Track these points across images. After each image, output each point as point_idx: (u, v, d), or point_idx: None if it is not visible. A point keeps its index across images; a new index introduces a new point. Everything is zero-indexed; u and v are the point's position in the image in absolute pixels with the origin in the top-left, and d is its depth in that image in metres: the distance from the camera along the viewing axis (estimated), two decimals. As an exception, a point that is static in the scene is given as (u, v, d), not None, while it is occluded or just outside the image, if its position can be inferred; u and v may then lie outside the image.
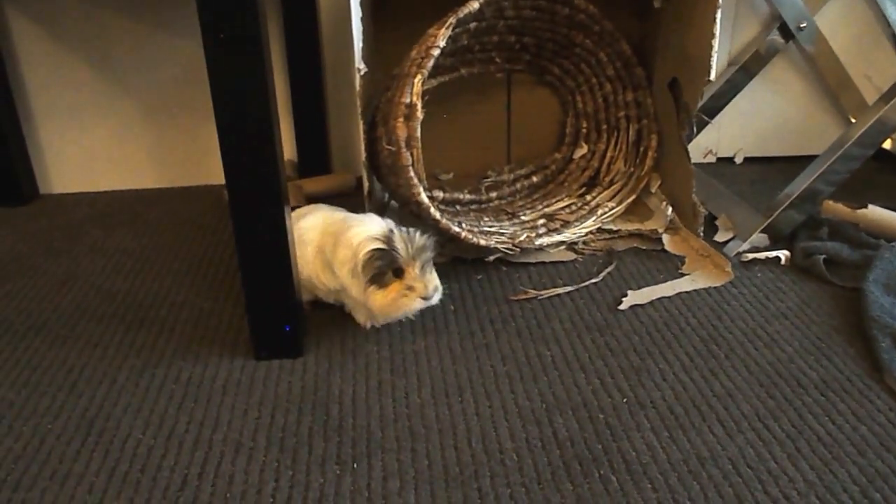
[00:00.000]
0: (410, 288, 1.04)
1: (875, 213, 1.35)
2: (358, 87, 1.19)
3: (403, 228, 1.05)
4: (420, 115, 1.09)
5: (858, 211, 1.35)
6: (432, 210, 1.13)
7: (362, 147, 1.24)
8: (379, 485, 0.85)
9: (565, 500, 0.82)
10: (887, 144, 1.86)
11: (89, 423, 0.96)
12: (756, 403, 0.97)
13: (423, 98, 1.11)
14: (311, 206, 1.24)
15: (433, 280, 1.06)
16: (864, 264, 1.25)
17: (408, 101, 1.09)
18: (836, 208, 1.37)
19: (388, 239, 1.03)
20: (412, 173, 1.11)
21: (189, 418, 0.96)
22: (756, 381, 1.02)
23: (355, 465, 0.87)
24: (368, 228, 1.05)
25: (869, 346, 1.07)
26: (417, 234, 1.05)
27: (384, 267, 1.03)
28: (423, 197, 1.13)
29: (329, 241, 1.10)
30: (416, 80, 1.09)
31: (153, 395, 1.01)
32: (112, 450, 0.91)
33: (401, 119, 1.10)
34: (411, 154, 1.11)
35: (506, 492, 0.83)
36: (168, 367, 1.07)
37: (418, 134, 1.10)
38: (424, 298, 1.05)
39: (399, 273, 1.04)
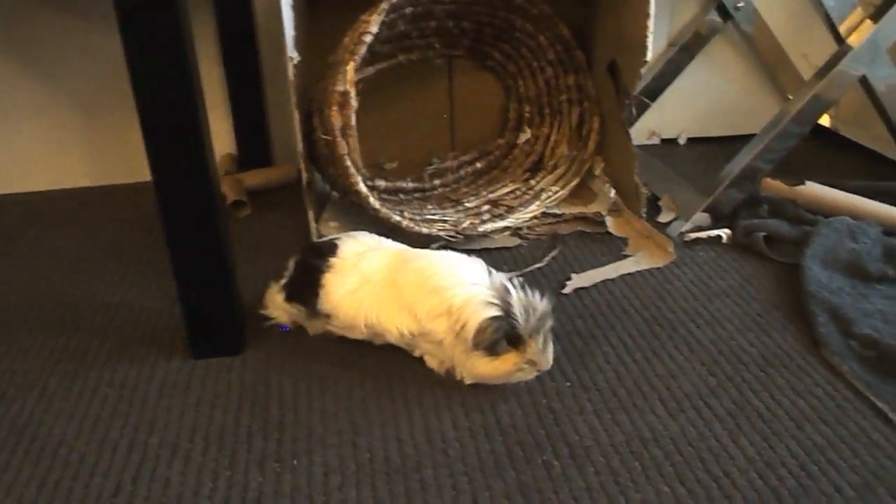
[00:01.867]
0: (530, 362, 0.92)
1: (813, 189, 1.37)
2: (291, 77, 1.16)
3: (517, 286, 0.92)
4: (354, 103, 1.07)
5: (796, 188, 1.37)
6: (371, 199, 1.12)
7: (299, 138, 1.21)
8: (319, 481, 0.83)
9: (508, 487, 0.81)
10: (826, 122, 1.90)
11: (20, 431, 0.93)
12: (697, 382, 0.98)
13: (357, 86, 1.08)
14: (357, 235, 1.09)
15: (552, 352, 0.94)
16: (803, 240, 1.26)
17: (341, 89, 1.07)
18: (775, 186, 1.38)
19: (506, 305, 0.90)
20: (349, 162, 1.09)
21: (123, 422, 0.93)
22: (698, 360, 1.02)
23: (295, 463, 0.86)
24: (479, 289, 0.92)
25: (807, 321, 1.09)
26: (538, 296, 0.92)
27: (500, 337, 0.90)
28: (362, 186, 1.11)
29: (410, 280, 0.98)
30: (348, 68, 1.06)
31: (86, 399, 0.98)
32: (43, 458, 0.88)
33: (335, 108, 1.08)
34: (347, 143, 1.09)
35: (448, 482, 0.82)
36: (102, 371, 1.04)
37: (353, 122, 1.08)
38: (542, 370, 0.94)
39: (516, 342, 0.91)
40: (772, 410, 0.92)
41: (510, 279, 0.94)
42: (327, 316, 1.04)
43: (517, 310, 0.89)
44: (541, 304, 0.91)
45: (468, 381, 0.95)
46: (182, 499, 0.81)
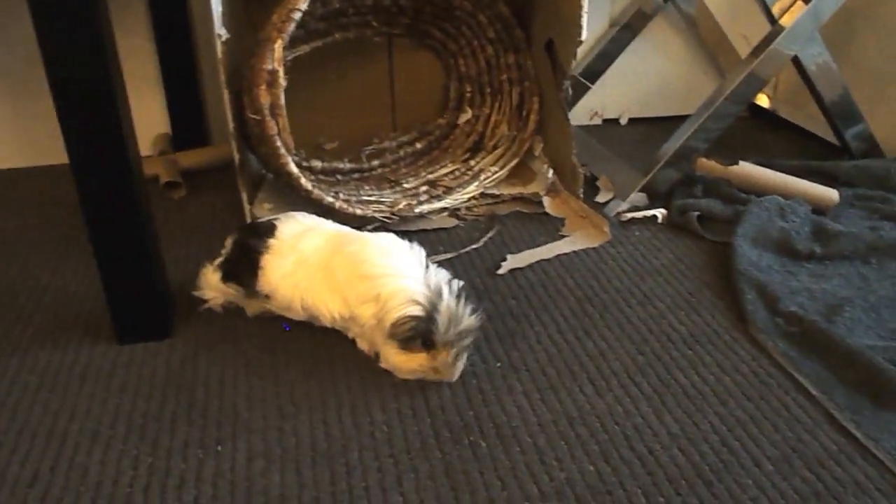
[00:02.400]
0: (435, 369, 0.91)
1: (746, 169, 1.39)
2: (220, 55, 1.13)
3: (454, 292, 0.90)
4: (283, 81, 1.05)
5: (730, 168, 1.39)
6: (302, 180, 1.10)
7: (230, 117, 1.18)
8: (243, 466, 0.82)
9: (434, 469, 0.81)
10: (765, 102, 1.92)
11: (-67, 421, 0.90)
12: (626, 360, 0.99)
13: (287, 64, 1.06)
14: (296, 216, 1.07)
15: (461, 366, 0.92)
16: (735, 219, 1.28)
17: (269, 67, 1.05)
18: (709, 165, 1.40)
19: (431, 308, 0.88)
20: (279, 143, 1.07)
21: (43, 409, 0.91)
22: (627, 339, 1.03)
23: (219, 448, 0.84)
24: (409, 283, 0.90)
25: (736, 298, 1.11)
26: (468, 311, 0.89)
27: (415, 335, 0.89)
28: (292, 167, 1.09)
29: (343, 264, 0.97)
30: (276, 46, 1.04)
31: (5, 386, 0.95)
32: (-43, 449, 0.85)
33: (263, 86, 1.05)
34: (277, 122, 1.07)
35: (374, 464, 0.82)
36: (24, 357, 1.00)
37: (282, 101, 1.06)
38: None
39: (429, 345, 0.90)
40: (697, 387, 0.93)
41: (450, 282, 0.92)
42: (266, 296, 1.02)
43: (440, 317, 0.87)
44: (468, 319, 0.89)
45: (383, 366, 0.95)
46: (101, 487, 0.80)
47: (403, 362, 0.91)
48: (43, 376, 0.97)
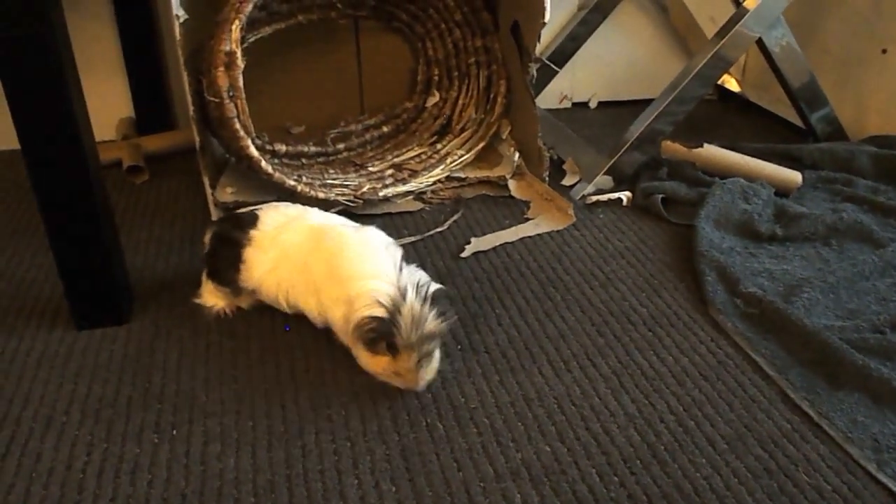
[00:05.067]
0: (399, 374, 0.86)
1: (710, 151, 1.39)
2: (178, 36, 1.11)
3: (422, 294, 0.85)
4: (241, 63, 1.04)
5: (695, 150, 1.39)
6: (263, 163, 1.09)
7: (189, 100, 1.17)
8: (198, 450, 0.81)
9: (390, 451, 0.81)
10: (734, 86, 1.93)
11: None
12: (586, 342, 0.99)
13: (245, 46, 1.05)
14: (280, 205, 1.05)
15: (428, 374, 0.87)
16: (699, 202, 1.28)
17: (227, 48, 1.03)
18: (674, 148, 1.40)
19: (394, 309, 0.83)
20: (238, 125, 1.06)
21: (-3, 395, 0.90)
22: (588, 321, 1.03)
23: (175, 432, 0.84)
24: (376, 287, 0.86)
25: (697, 280, 1.11)
26: (433, 313, 0.84)
27: (377, 337, 0.85)
28: (253, 150, 1.08)
29: (319, 263, 0.94)
30: (233, 27, 1.03)
31: (-43, 374, 0.94)
32: None
33: (221, 68, 1.04)
34: (236, 105, 1.05)
35: (330, 447, 0.81)
36: (-22, 344, 0.99)
37: (241, 83, 1.05)
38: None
39: (393, 350, 0.85)
40: (655, 368, 0.94)
41: (420, 285, 0.86)
42: (253, 291, 1.00)
43: (402, 319, 0.83)
44: (432, 322, 0.84)
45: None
46: (53, 472, 0.79)
47: (370, 364, 0.88)
48: (-3, 362, 0.96)
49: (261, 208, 1.03)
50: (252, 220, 1.00)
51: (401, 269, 0.89)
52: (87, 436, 0.84)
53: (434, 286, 0.88)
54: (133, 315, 1.04)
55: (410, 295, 0.85)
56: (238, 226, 1.01)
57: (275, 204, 1.04)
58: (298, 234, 0.98)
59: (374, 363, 0.88)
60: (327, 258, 0.93)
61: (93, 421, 0.86)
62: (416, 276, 0.89)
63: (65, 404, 0.88)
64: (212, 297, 1.05)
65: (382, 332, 0.84)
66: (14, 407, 0.88)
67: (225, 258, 1.00)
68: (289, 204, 1.05)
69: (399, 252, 0.92)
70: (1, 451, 0.82)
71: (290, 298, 0.97)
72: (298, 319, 1.00)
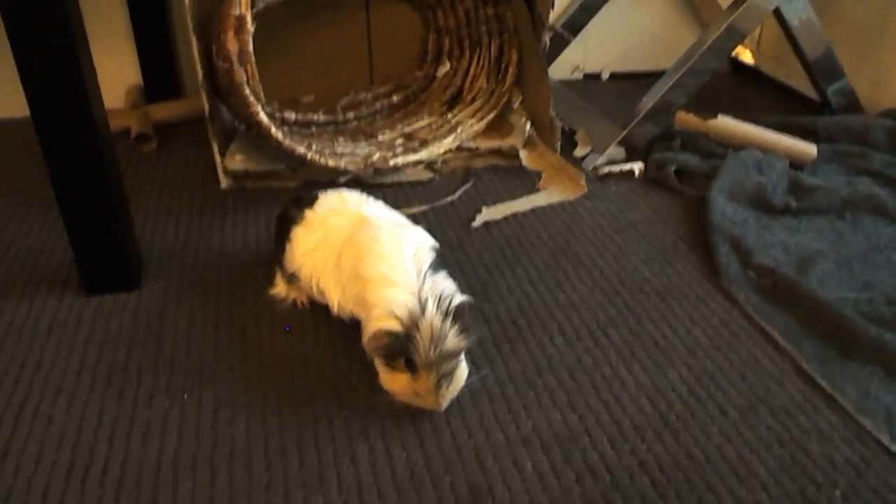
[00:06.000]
0: (418, 395, 0.79)
1: (725, 123, 1.37)
2: (187, 1, 1.10)
3: (443, 308, 0.77)
4: (251, 27, 1.03)
5: (709, 121, 1.37)
6: (273, 130, 1.08)
7: (198, 66, 1.16)
8: (209, 416, 0.81)
9: (400, 417, 0.81)
10: (748, 59, 1.90)
11: None
12: (597, 312, 0.98)
13: (255, 10, 1.03)
14: (343, 191, 1.00)
15: (450, 394, 0.79)
16: (712, 174, 1.27)
17: (237, 13, 1.02)
18: (687, 119, 1.38)
19: (411, 324, 0.76)
20: (247, 91, 1.05)
21: (8, 360, 0.90)
22: (600, 291, 1.03)
23: (186, 398, 0.84)
24: (394, 296, 0.79)
25: (709, 252, 1.10)
26: (454, 330, 0.77)
27: (391, 353, 0.78)
28: (263, 116, 1.07)
29: (348, 256, 0.88)
30: (243, -9, 1.01)
31: (-31, 339, 0.94)
32: (-81, 399, 0.84)
33: (231, 33, 1.03)
34: (245, 70, 1.04)
35: (340, 413, 0.81)
36: (-12, 309, 0.99)
37: (251, 48, 1.04)
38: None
39: (412, 368, 0.78)
40: (667, 339, 0.93)
41: (443, 297, 0.78)
42: (293, 275, 0.96)
43: (420, 335, 0.76)
44: (453, 339, 0.77)
45: None
46: (65, 435, 0.79)
47: (387, 382, 0.81)
48: (8, 328, 0.96)
49: (325, 191, 0.99)
50: (311, 200, 0.98)
51: (425, 278, 0.81)
52: (99, 400, 0.84)
53: (459, 298, 0.80)
54: (143, 282, 1.04)
55: (431, 308, 0.77)
56: (297, 204, 0.98)
57: (340, 189, 1.00)
58: (344, 220, 0.94)
59: (392, 381, 0.80)
60: (354, 253, 0.88)
61: (104, 386, 0.86)
62: (441, 286, 0.81)
63: (76, 369, 0.88)
64: (284, 286, 1.00)
65: (396, 349, 0.77)
66: (25, 371, 0.88)
67: (279, 236, 0.98)
68: (353, 191, 1.00)
69: (430, 257, 0.84)
70: (13, 413, 0.82)
71: (321, 284, 0.93)
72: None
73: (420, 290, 0.79)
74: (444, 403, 0.79)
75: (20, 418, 0.81)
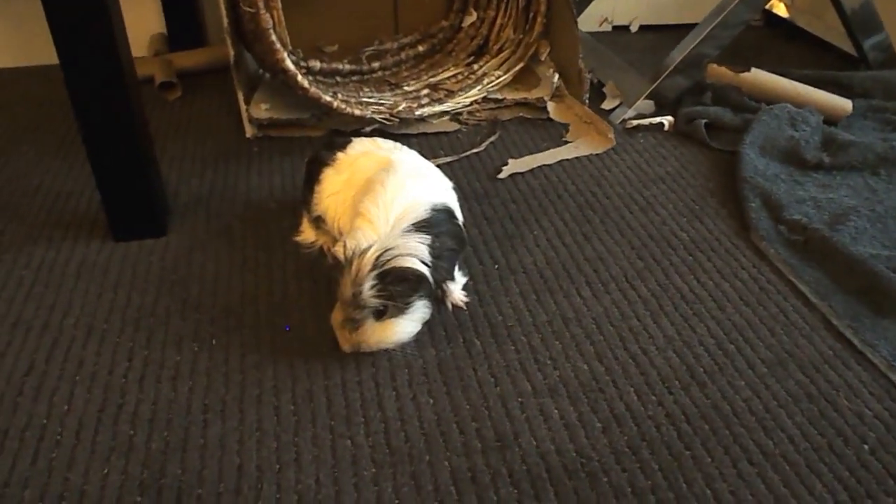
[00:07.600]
0: (334, 326, 0.81)
1: (758, 76, 1.34)
2: (212, -56, 1.08)
3: (380, 263, 0.77)
4: (278, -29, 1.01)
5: (741, 74, 1.34)
6: (299, 77, 1.07)
7: (224, 12, 1.14)
8: (237, 360, 0.82)
9: (427, 365, 0.81)
10: (783, 12, 1.85)
11: (-71, 313, 0.90)
12: (625, 265, 0.97)
13: (281, -47, 1.01)
14: (378, 139, 1.00)
15: (354, 340, 0.79)
16: (744, 128, 1.24)
17: (263, -44, 1.00)
18: (720, 72, 1.35)
19: (347, 259, 0.78)
20: (274, 37, 1.03)
21: (38, 304, 0.91)
22: (628, 244, 1.02)
23: (214, 342, 0.84)
24: (361, 231, 0.81)
25: (740, 206, 1.08)
26: (374, 285, 0.76)
27: (330, 275, 0.81)
28: (289, 63, 1.06)
29: (361, 194, 0.88)
30: (270, -67, 0.99)
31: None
32: (-48, 339, 0.86)
33: (257, -24, 1.01)
34: (271, 15, 1.03)
35: (368, 359, 0.82)
36: (18, 253, 1.00)
37: (277, -7, 1.02)
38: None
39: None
40: (695, 292, 0.93)
41: (385, 252, 0.77)
42: (319, 219, 0.95)
43: (345, 272, 0.77)
44: (368, 292, 0.76)
45: None
46: (96, 377, 0.80)
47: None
48: (37, 272, 0.96)
49: (359, 138, 0.99)
50: (344, 144, 0.98)
51: (397, 232, 0.80)
52: (129, 343, 0.85)
53: (409, 263, 0.78)
54: (169, 229, 1.04)
55: (369, 255, 0.77)
56: (330, 147, 0.98)
57: (375, 138, 1.00)
58: (372, 162, 0.93)
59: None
60: (364, 190, 0.88)
61: (133, 329, 0.87)
62: (407, 245, 0.79)
63: (105, 313, 0.89)
64: (311, 231, 0.99)
65: (332, 274, 0.79)
66: (55, 314, 0.89)
67: (308, 179, 0.98)
68: (388, 140, 1.00)
69: (423, 216, 0.82)
70: (44, 355, 0.83)
71: (340, 224, 0.92)
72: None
73: (384, 237, 0.79)
74: (346, 347, 0.80)
75: (51, 361, 0.82)
